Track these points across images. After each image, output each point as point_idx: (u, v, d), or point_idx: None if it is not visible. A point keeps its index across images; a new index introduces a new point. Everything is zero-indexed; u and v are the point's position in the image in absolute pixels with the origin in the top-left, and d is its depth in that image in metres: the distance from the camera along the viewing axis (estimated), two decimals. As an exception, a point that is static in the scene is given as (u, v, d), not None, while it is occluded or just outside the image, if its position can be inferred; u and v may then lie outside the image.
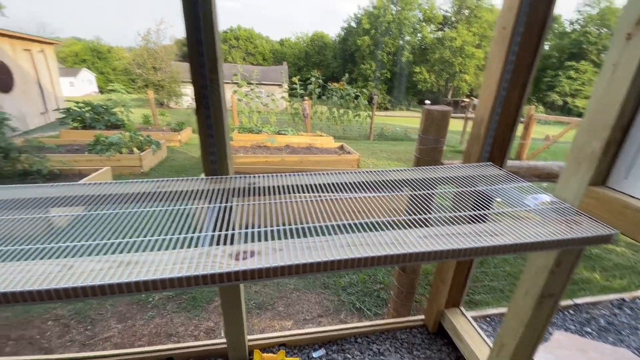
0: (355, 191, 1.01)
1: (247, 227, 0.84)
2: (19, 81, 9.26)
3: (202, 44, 0.96)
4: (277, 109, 10.86)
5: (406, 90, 41.37)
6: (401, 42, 40.34)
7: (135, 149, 5.15)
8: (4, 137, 3.87)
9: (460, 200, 0.93)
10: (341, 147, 6.44)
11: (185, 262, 0.68)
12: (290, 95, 11.94)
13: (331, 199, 0.94)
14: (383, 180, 1.04)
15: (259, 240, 0.79)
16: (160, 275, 0.63)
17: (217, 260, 0.69)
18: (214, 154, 1.11)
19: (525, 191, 0.93)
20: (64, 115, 7.65)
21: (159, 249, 0.73)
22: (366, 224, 0.80)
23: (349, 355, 1.40)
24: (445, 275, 1.46)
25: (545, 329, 1.01)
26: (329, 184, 1.03)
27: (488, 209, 0.89)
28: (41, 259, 0.67)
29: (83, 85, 35.94)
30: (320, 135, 7.72)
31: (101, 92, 39.22)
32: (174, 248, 0.74)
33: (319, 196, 0.96)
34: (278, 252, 0.72)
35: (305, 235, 0.75)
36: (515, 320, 1.04)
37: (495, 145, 1.18)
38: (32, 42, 10.08)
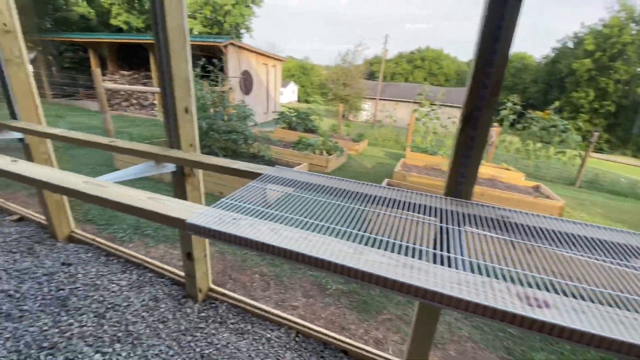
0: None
1: (489, 261, 0.74)
2: (255, 87, 12.50)
3: (491, 66, 0.91)
4: (456, 133, 10.14)
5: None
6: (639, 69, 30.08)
7: (324, 152, 5.96)
8: (247, 127, 5.27)
9: None
10: (537, 188, 5.32)
11: (463, 284, 0.64)
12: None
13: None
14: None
15: (520, 284, 0.67)
16: (440, 289, 0.62)
17: (501, 295, 0.61)
18: (463, 175, 1.06)
19: None
20: (278, 117, 9.75)
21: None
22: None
23: None
24: None
25: None
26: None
27: None
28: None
29: (288, 95, 44.96)
30: (507, 169, 6.67)
31: (299, 101, 48.24)
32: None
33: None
34: (580, 313, 0.58)
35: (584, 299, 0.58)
36: None
37: None
38: (269, 58, 13.40)
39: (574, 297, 0.64)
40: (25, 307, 1.71)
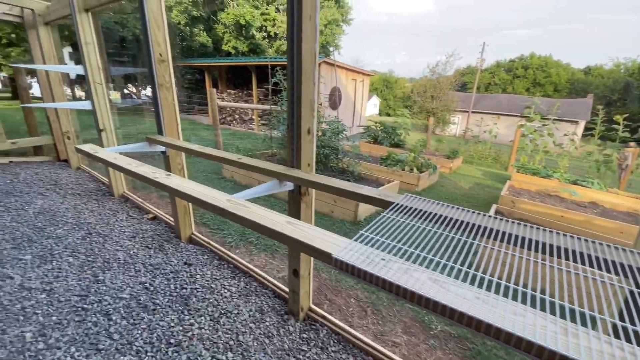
0: None
1: None
2: (343, 102, 12.77)
3: None
4: (576, 152, 8.57)
5: None
6: None
7: (415, 169, 5.63)
8: (339, 142, 5.33)
9: None
10: None
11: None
12: (597, 136, 9.07)
13: None
14: None
15: None
16: None
17: None
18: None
19: None
20: (363, 131, 9.72)
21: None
22: None
23: None
24: None
25: None
26: None
27: None
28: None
29: (371, 108, 44.94)
30: (657, 202, 5.24)
31: (380, 114, 47.81)
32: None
33: None
34: None
35: None
36: None
37: None
38: (358, 73, 13.58)
39: None
40: (157, 301, 1.94)
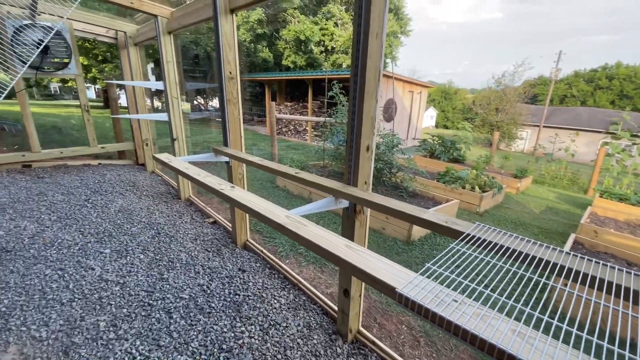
0: None
1: None
2: (398, 114, 12.49)
3: None
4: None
5: None
6: None
7: (477, 187, 5.21)
8: (393, 156, 5.18)
9: None
10: None
11: None
12: None
13: None
14: None
15: None
16: None
17: None
18: None
19: None
20: (419, 144, 9.36)
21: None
22: None
23: None
24: None
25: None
26: None
27: None
28: None
29: (427, 120, 43.24)
30: None
31: (436, 126, 45.71)
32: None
33: None
34: None
35: None
36: None
37: None
38: (415, 85, 13.20)
39: None
40: (212, 305, 2.03)
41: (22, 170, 4.11)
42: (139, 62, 4.54)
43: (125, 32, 4.33)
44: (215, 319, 1.90)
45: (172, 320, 1.85)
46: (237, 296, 2.13)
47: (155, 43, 3.77)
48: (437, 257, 0.85)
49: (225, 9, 2.18)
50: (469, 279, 0.77)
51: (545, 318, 0.65)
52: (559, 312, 0.79)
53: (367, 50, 1.29)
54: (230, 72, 2.34)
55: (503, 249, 0.91)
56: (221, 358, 1.62)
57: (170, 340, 1.71)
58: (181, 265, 2.44)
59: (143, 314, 1.89)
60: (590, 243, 3.47)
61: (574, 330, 0.61)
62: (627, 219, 4.75)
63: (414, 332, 2.12)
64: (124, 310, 1.91)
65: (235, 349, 1.69)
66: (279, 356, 1.67)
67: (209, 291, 2.16)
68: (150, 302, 2.00)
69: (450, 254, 0.88)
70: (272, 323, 1.90)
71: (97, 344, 1.66)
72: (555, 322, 0.63)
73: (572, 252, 0.89)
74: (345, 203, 1.56)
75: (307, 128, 12.53)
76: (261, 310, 2.01)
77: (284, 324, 1.90)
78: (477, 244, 0.96)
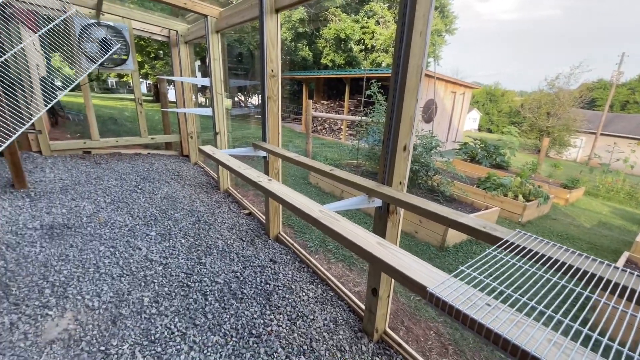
0: None
1: None
2: (438, 115, 12.06)
3: None
4: None
5: None
6: None
7: (520, 196, 4.90)
8: (430, 158, 5.03)
9: None
10: None
11: None
12: None
13: None
14: None
15: None
16: None
17: None
18: None
19: None
20: (459, 148, 8.97)
21: None
22: None
23: None
24: None
25: None
26: None
27: None
28: None
29: (469, 123, 41.19)
30: None
31: (479, 130, 43.41)
32: None
33: None
34: None
35: None
36: None
37: None
38: (458, 85, 12.66)
39: None
40: (245, 291, 2.12)
41: (82, 156, 4.55)
42: (188, 60, 4.83)
43: (177, 31, 4.62)
44: (247, 305, 1.99)
45: (207, 302, 1.97)
46: (267, 285, 2.21)
47: (203, 41, 3.99)
48: (473, 261, 0.84)
49: (270, 8, 2.26)
50: (505, 285, 0.75)
51: (585, 331, 0.62)
52: (593, 324, 0.74)
53: (410, 48, 1.28)
54: (272, 70, 2.42)
55: (544, 258, 0.87)
56: (250, 342, 1.70)
57: (205, 320, 1.82)
58: (218, 251, 2.58)
59: (182, 293, 2.03)
60: (650, 264, 3.14)
61: (615, 345, 0.58)
62: (698, 241, 4.21)
63: (442, 339, 2.06)
64: (165, 289, 2.06)
65: (264, 335, 1.76)
66: (305, 347, 1.72)
67: (242, 278, 2.26)
68: (189, 283, 2.14)
69: (486, 259, 0.86)
70: (299, 314, 1.96)
71: (141, 317, 1.81)
72: (595, 335, 0.60)
73: (621, 268, 0.82)
74: (378, 202, 1.56)
75: (342, 127, 12.52)
76: (290, 301, 2.07)
77: (311, 317, 1.95)
78: (516, 252, 0.92)
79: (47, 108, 2.67)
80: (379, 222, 1.63)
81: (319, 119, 13.49)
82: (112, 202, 3.24)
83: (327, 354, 1.69)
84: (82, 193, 3.37)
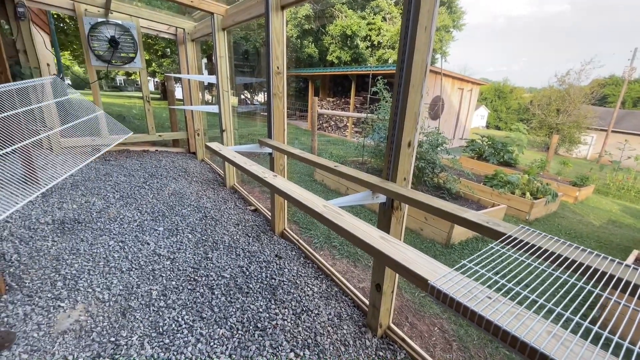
0: None
1: None
2: (445, 112, 11.95)
3: None
4: None
5: None
6: None
7: (528, 194, 4.85)
8: (437, 155, 5.00)
9: None
10: None
11: None
12: None
13: None
14: None
15: None
16: None
17: None
18: None
19: None
20: (466, 145, 8.89)
21: None
22: None
23: None
24: None
25: None
26: None
27: None
28: None
29: (476, 120, 40.69)
30: None
31: (487, 127, 42.87)
32: None
33: None
34: None
35: None
36: None
37: None
38: (466, 82, 12.52)
39: None
40: (250, 285, 2.15)
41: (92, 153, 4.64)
42: (195, 57, 4.87)
43: (184, 29, 4.66)
44: (252, 299, 2.02)
45: (214, 296, 2.01)
46: (273, 280, 2.24)
47: (209, 39, 4.01)
48: (475, 255, 0.84)
49: (276, 5, 2.27)
50: (506, 279, 0.75)
51: (586, 324, 0.62)
52: (600, 321, 0.74)
53: (414, 44, 1.28)
54: (278, 67, 2.43)
55: (547, 253, 0.87)
56: (256, 335, 1.73)
57: (211, 313, 1.86)
58: (224, 247, 2.61)
59: (189, 287, 2.07)
60: (660, 263, 3.09)
61: (615, 338, 0.58)
62: None
63: (446, 335, 2.07)
64: (173, 283, 2.10)
65: (269, 328, 1.79)
66: (309, 340, 1.74)
67: (247, 273, 2.29)
68: (196, 277, 2.18)
69: (489, 254, 0.86)
70: (304, 309, 1.98)
71: (149, 309, 1.85)
72: (595, 328, 0.61)
73: (626, 263, 0.82)
74: (382, 198, 1.57)
75: (347, 124, 12.49)
76: (295, 295, 2.10)
77: (316, 311, 1.97)
78: (519, 247, 0.93)
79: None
80: (383, 218, 1.64)
81: (325, 116, 13.48)
82: (121, 198, 3.30)
83: (331, 348, 1.71)
84: (92, 189, 3.44)
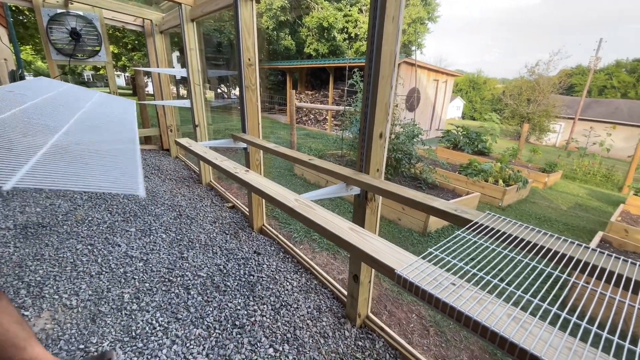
0: None
1: None
2: (421, 103, 12.16)
3: None
4: None
5: None
6: None
7: (501, 181, 5.04)
8: (413, 146, 5.08)
9: None
10: None
11: None
12: None
13: None
14: None
15: None
16: None
17: None
18: None
19: None
20: (442, 135, 9.10)
21: None
22: None
23: None
24: None
25: None
26: None
27: None
28: None
29: (452, 111, 41.71)
30: None
31: (463, 117, 44.06)
32: None
33: None
34: None
35: None
36: None
37: None
38: (441, 73, 12.76)
39: None
40: (228, 283, 2.12)
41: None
42: (164, 50, 4.67)
43: (151, 20, 4.45)
44: (230, 297, 1.99)
45: (189, 296, 1.96)
46: (251, 277, 2.21)
47: (179, 30, 3.85)
48: (441, 243, 0.85)
49: (244, -5, 2.20)
50: (471, 265, 0.77)
51: (544, 305, 0.65)
52: (567, 306, 0.78)
53: (382, 34, 1.27)
54: (249, 59, 2.37)
55: (511, 238, 0.90)
56: (234, 333, 1.71)
57: (187, 314, 1.82)
58: (200, 245, 2.55)
59: (163, 288, 2.01)
60: (618, 242, 3.30)
61: (571, 318, 0.60)
62: (666, 219, 4.45)
63: (424, 321, 2.12)
64: (146, 285, 2.03)
65: (248, 325, 1.77)
66: (289, 335, 1.74)
67: (225, 271, 2.25)
68: (171, 278, 2.12)
69: (455, 241, 0.88)
70: (283, 304, 1.97)
71: (121, 313, 1.79)
72: (554, 309, 0.63)
73: (587, 245, 0.86)
74: (356, 190, 1.57)
75: (327, 117, 12.47)
76: (274, 291, 2.08)
77: (295, 305, 1.96)
78: (486, 233, 0.95)
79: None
80: (358, 210, 1.65)
81: (304, 109, 13.39)
82: (90, 199, 3.15)
83: (310, 341, 1.72)
84: (57, 191, 3.25)
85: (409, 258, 0.81)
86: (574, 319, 0.61)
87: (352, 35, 17.24)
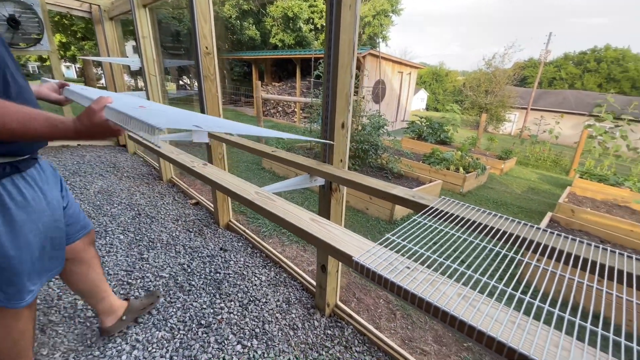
0: None
1: None
2: (387, 95, 12.40)
3: None
4: (657, 158, 7.46)
5: None
6: None
7: (461, 169, 5.29)
8: (379, 137, 5.18)
9: None
10: None
11: None
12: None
13: None
14: None
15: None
16: None
17: None
18: None
19: None
20: (407, 127, 9.37)
21: None
22: None
23: None
24: None
25: None
26: None
27: None
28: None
29: (417, 102, 43.05)
30: None
31: (427, 109, 45.69)
32: None
33: None
34: None
35: None
36: None
37: None
38: (405, 65, 13.06)
39: None
40: (193, 283, 2.04)
41: (-5, 151, 3.97)
42: (116, 39, 4.34)
43: (99, 6, 4.11)
44: (195, 296, 1.93)
45: (151, 298, 1.86)
46: (217, 274, 2.15)
47: (130, 17, 3.59)
48: (399, 228, 0.87)
49: (199, -21, 2.08)
50: (425, 248, 0.79)
51: (501, 286, 0.68)
52: (518, 284, 0.83)
53: (340, 23, 1.26)
54: (207, 47, 2.26)
55: (464, 221, 0.94)
56: (199, 333, 1.66)
57: (148, 317, 1.73)
58: (162, 245, 2.44)
59: (122, 292, 1.90)
60: (566, 221, 3.60)
61: (517, 294, 0.64)
62: (604, 198, 4.92)
63: (390, 305, 2.19)
64: (103, 289, 1.90)
65: (214, 324, 1.72)
66: (257, 330, 1.72)
67: (189, 270, 2.17)
68: (129, 280, 2.00)
69: (412, 225, 0.90)
70: (251, 299, 1.94)
71: (74, 322, 1.66)
72: (500, 286, 0.66)
73: (536, 226, 0.91)
74: (320, 181, 1.57)
75: (295, 109, 12.35)
76: (241, 287, 2.04)
77: (264, 300, 1.94)
78: (441, 217, 0.98)
79: None
80: (323, 200, 1.65)
81: (272, 101, 13.16)
82: (35, 201, 2.88)
83: (280, 334, 1.71)
84: None
85: (368, 245, 0.81)
86: (518, 294, 0.64)
87: (319, 26, 17.12)
